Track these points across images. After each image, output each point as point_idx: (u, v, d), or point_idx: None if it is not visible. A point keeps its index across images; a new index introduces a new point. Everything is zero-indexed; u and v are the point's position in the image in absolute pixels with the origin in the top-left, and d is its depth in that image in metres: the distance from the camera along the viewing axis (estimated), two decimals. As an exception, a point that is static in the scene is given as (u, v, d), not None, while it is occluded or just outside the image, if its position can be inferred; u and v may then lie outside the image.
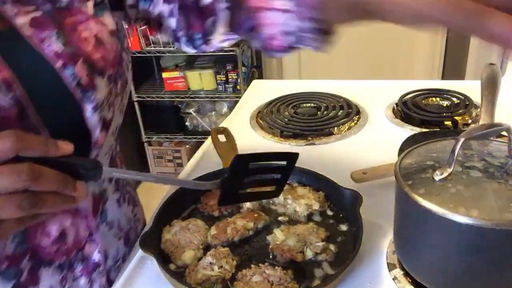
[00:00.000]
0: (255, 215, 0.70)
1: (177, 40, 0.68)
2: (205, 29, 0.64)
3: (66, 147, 0.43)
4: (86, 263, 0.63)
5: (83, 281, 0.63)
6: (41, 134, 0.50)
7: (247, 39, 0.62)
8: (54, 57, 0.50)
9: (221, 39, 0.65)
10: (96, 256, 0.64)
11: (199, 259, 0.63)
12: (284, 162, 0.58)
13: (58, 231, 0.58)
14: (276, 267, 0.59)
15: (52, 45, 0.50)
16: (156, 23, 0.67)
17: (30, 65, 0.50)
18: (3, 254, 0.54)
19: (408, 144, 0.80)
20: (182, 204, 0.75)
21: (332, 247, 0.64)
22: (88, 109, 0.54)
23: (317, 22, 0.51)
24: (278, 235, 0.65)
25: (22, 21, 0.49)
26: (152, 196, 0.88)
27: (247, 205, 0.73)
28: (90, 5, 0.56)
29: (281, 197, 0.74)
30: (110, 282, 0.67)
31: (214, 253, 0.62)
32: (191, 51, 0.69)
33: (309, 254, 0.62)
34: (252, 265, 0.61)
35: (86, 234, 0.62)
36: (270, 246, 0.64)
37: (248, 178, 0.57)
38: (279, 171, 0.59)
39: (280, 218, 0.72)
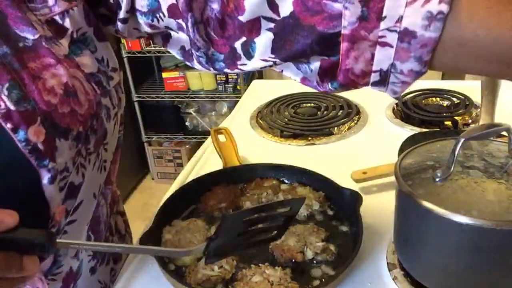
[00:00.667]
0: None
1: (189, 59, 0.52)
2: (233, 49, 0.48)
3: (9, 220, 0.36)
4: None
5: None
6: None
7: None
8: (2, 118, 0.41)
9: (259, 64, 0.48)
10: None
11: (199, 259, 0.63)
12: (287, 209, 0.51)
13: None
14: (276, 267, 0.59)
15: (2, 102, 0.41)
16: (161, 37, 0.55)
17: None
18: None
19: (408, 144, 0.80)
20: (182, 204, 0.75)
21: (332, 247, 0.64)
22: (45, 178, 0.44)
23: (426, 65, 0.40)
24: None
25: None
26: (152, 196, 0.88)
27: (247, 205, 0.73)
28: (65, 43, 0.47)
29: (281, 197, 0.74)
30: None
31: (214, 253, 0.62)
32: (210, 71, 0.53)
33: (309, 254, 0.62)
34: (252, 265, 0.61)
35: None
36: (270, 246, 0.64)
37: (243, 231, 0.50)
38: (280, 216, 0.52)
39: (280, 218, 0.72)
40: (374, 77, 0.43)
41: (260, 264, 0.61)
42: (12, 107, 0.41)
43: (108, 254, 0.65)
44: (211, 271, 0.59)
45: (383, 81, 0.43)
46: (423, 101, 1.10)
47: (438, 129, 0.98)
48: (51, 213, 0.47)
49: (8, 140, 0.42)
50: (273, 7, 0.43)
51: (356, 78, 0.44)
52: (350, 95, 1.16)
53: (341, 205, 0.71)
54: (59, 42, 0.46)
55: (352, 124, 1.04)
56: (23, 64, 0.43)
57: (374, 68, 0.42)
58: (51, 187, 0.45)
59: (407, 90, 1.10)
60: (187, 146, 2.85)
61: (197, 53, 0.50)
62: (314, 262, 0.62)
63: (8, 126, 0.41)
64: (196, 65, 0.52)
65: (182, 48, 0.52)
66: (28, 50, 0.43)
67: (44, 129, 0.43)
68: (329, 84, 0.47)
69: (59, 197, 0.47)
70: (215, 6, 0.45)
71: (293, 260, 0.62)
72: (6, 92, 0.41)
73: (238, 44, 0.47)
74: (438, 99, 1.12)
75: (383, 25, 0.38)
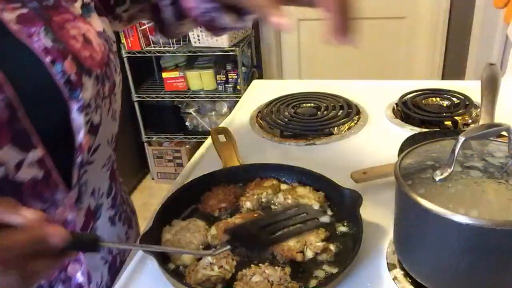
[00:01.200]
0: (255, 215, 0.70)
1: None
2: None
3: (56, 237, 0.41)
4: (67, 284, 0.58)
5: None
6: (31, 138, 0.48)
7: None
8: (43, 52, 0.49)
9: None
10: (80, 277, 0.59)
11: (199, 259, 0.63)
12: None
13: None
14: (276, 267, 0.59)
15: (41, 41, 0.49)
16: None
17: (19, 61, 0.49)
18: None
19: (408, 144, 0.80)
20: (182, 204, 0.75)
21: (332, 247, 0.64)
22: (74, 109, 0.52)
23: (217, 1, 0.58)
24: None
25: (8, 17, 0.48)
26: (152, 196, 0.88)
27: (247, 205, 0.73)
28: (77, 5, 0.56)
29: (281, 197, 0.74)
30: None
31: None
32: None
33: (309, 254, 0.62)
34: (252, 265, 0.61)
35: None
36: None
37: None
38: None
39: (280, 218, 0.72)
40: None
41: (260, 264, 0.61)
42: (49, 45, 0.50)
43: (124, 213, 0.72)
44: (211, 271, 0.59)
45: None
46: (423, 101, 1.10)
47: (438, 129, 0.98)
48: (77, 143, 0.53)
49: (45, 74, 0.50)
50: None
51: None
52: (350, 95, 1.16)
53: (341, 205, 0.71)
54: (73, 4, 0.56)
55: (352, 124, 1.04)
56: (49, 16, 0.52)
57: None
58: (80, 117, 0.52)
59: (407, 90, 1.14)
60: (187, 146, 2.85)
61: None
62: (314, 262, 0.62)
63: (47, 59, 0.50)
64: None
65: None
66: (51, 7, 0.52)
67: (74, 66, 0.52)
68: None
69: (85, 129, 0.53)
70: None
71: (293, 260, 0.62)
72: (43, 34, 0.50)
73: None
74: (438, 99, 1.12)
75: None
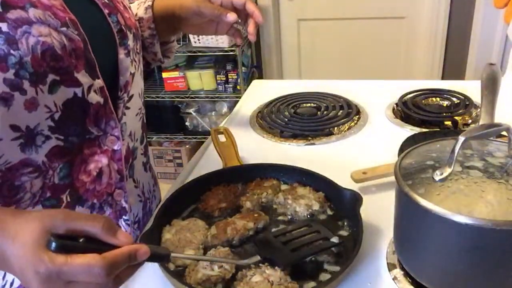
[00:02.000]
0: (255, 215, 0.70)
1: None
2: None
3: (144, 254, 0.48)
4: (114, 207, 0.69)
5: None
6: (96, 69, 0.62)
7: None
8: (103, 6, 0.65)
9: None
10: (123, 203, 0.70)
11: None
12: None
13: (96, 171, 0.65)
14: (276, 267, 0.59)
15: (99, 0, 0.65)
16: None
17: (87, 10, 0.64)
18: (48, 184, 0.61)
19: (408, 144, 0.80)
20: (182, 204, 0.75)
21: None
22: (123, 53, 0.67)
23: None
24: None
25: None
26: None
27: (247, 205, 0.73)
28: None
29: (281, 197, 0.74)
30: None
31: (214, 253, 0.62)
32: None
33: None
34: (252, 265, 0.60)
35: (117, 179, 0.69)
36: None
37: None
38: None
39: (280, 218, 0.72)
40: None
41: (260, 264, 0.61)
42: (106, 1, 0.66)
43: (151, 170, 0.85)
44: (211, 271, 0.59)
45: None
46: (423, 101, 1.10)
47: (438, 129, 0.98)
48: (123, 82, 0.68)
49: (104, 22, 0.66)
50: None
51: None
52: (350, 95, 1.16)
53: (341, 205, 0.71)
54: None
55: (352, 124, 1.04)
56: None
57: None
58: (126, 60, 0.68)
59: (407, 90, 1.15)
60: (187, 146, 2.85)
61: None
62: (315, 262, 0.62)
63: (106, 11, 0.66)
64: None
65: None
66: None
67: (122, 20, 0.68)
68: None
69: (128, 71, 0.69)
70: None
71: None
72: None
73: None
74: (438, 99, 1.12)
75: None
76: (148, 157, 0.81)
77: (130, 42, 0.69)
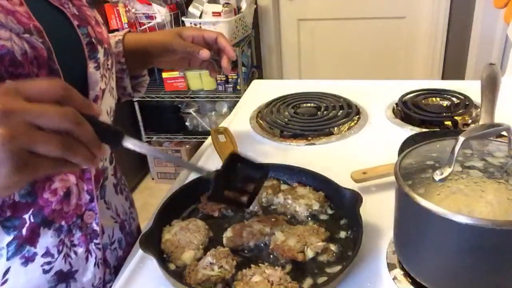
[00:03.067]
0: (273, 219, 0.69)
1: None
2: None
3: (97, 109, 0.48)
4: (85, 230, 0.65)
5: (80, 250, 0.64)
6: (61, 80, 0.58)
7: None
8: (73, 17, 0.63)
9: None
10: (95, 226, 0.66)
11: (199, 259, 0.63)
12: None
13: (63, 190, 0.61)
14: (276, 267, 0.59)
15: (70, 9, 0.63)
16: None
17: (55, 20, 0.61)
18: (8, 202, 0.56)
19: (408, 144, 0.80)
20: (182, 204, 0.75)
21: (333, 247, 0.64)
22: (92, 67, 0.64)
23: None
24: (278, 236, 0.65)
25: None
26: (152, 196, 0.88)
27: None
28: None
29: (281, 197, 0.74)
30: (106, 263, 0.69)
31: (214, 253, 0.62)
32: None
33: (309, 254, 0.62)
34: (252, 265, 0.61)
35: (87, 200, 0.65)
36: (271, 246, 0.64)
37: (233, 180, 0.65)
38: (253, 183, 0.67)
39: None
40: None
41: (260, 264, 0.61)
42: (76, 12, 0.64)
43: (125, 191, 0.79)
44: (211, 271, 0.59)
45: None
46: (423, 101, 1.10)
47: (438, 129, 0.98)
48: (93, 97, 0.65)
49: (73, 33, 0.63)
50: None
51: None
52: (350, 95, 1.16)
53: (341, 205, 0.71)
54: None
55: (352, 124, 1.04)
56: None
57: None
58: (96, 74, 0.65)
59: (407, 90, 1.16)
60: (187, 146, 2.85)
61: None
62: (315, 262, 0.62)
63: (76, 22, 0.63)
64: None
65: None
66: None
67: (92, 33, 0.65)
68: None
69: (99, 85, 0.65)
70: None
71: (294, 260, 0.62)
72: (70, 4, 0.64)
73: None
74: (438, 99, 1.12)
75: None
76: (119, 179, 0.77)
77: (101, 56, 0.66)
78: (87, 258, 0.65)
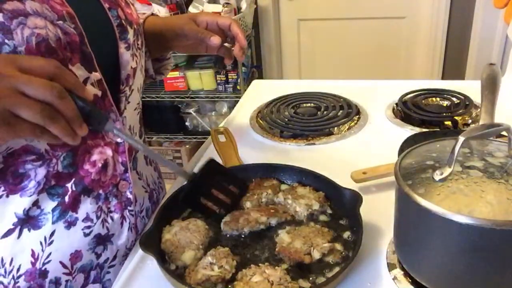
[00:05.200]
0: (272, 210, 0.71)
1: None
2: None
3: (88, 93, 0.52)
4: (120, 198, 0.71)
5: (116, 216, 0.70)
6: (93, 62, 0.62)
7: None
8: (103, 0, 0.66)
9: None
10: (129, 194, 0.72)
11: (199, 259, 0.63)
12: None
13: (101, 162, 0.67)
14: (276, 267, 0.59)
15: None
16: None
17: (85, 5, 0.64)
18: (52, 172, 0.62)
19: (408, 144, 0.80)
20: (182, 204, 0.75)
21: (339, 247, 0.64)
22: (123, 47, 0.68)
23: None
24: (284, 238, 0.65)
25: None
26: (168, 187, 0.89)
27: (247, 205, 0.73)
28: None
29: (281, 197, 0.74)
30: (136, 229, 0.74)
31: (214, 253, 0.62)
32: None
33: (316, 255, 0.62)
34: (252, 265, 0.60)
35: (122, 171, 0.70)
36: (277, 249, 0.64)
37: (210, 188, 0.70)
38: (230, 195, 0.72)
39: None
40: None
41: (260, 264, 0.60)
42: None
43: (154, 163, 0.86)
44: (211, 271, 0.59)
45: None
46: (423, 101, 1.10)
47: (438, 129, 0.98)
48: (124, 76, 0.69)
49: (104, 16, 0.66)
50: None
51: None
52: (350, 95, 1.16)
53: (341, 205, 0.71)
54: None
55: (352, 124, 1.04)
56: None
57: None
58: (127, 54, 0.69)
59: (407, 90, 1.16)
60: (187, 146, 2.85)
61: None
62: (321, 263, 0.62)
63: (106, 5, 0.67)
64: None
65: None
66: None
67: (122, 15, 0.69)
68: None
69: (129, 65, 0.69)
70: None
71: (298, 262, 0.62)
72: None
73: None
74: (438, 99, 1.12)
75: None
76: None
77: (131, 37, 0.70)
78: (122, 224, 0.71)
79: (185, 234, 0.66)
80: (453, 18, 2.57)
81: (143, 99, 2.98)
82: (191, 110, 2.79)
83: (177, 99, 2.72)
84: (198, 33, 0.80)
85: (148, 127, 2.83)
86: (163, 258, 0.64)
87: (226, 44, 0.84)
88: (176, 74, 2.63)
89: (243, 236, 0.68)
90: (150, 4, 2.43)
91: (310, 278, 0.60)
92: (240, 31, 0.81)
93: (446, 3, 2.52)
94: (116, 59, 0.68)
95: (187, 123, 2.84)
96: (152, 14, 0.89)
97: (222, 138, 0.93)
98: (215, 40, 0.79)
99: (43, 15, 0.56)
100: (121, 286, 0.63)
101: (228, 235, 0.69)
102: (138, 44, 0.73)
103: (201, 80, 2.63)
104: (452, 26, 2.59)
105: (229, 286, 0.59)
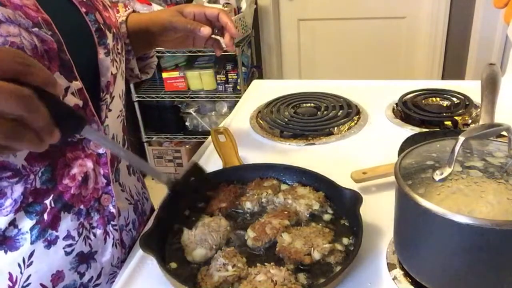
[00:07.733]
0: (285, 212, 0.70)
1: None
2: None
3: (60, 88, 0.45)
4: (102, 213, 0.67)
5: (99, 232, 0.67)
6: (73, 70, 0.59)
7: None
8: (80, 4, 0.63)
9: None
10: (111, 208, 0.68)
11: (209, 259, 0.63)
12: None
13: (81, 175, 0.63)
14: (281, 267, 0.59)
15: None
16: None
17: (62, 9, 0.61)
18: (29, 189, 0.58)
19: (408, 144, 0.80)
20: (182, 204, 0.75)
21: (340, 247, 0.63)
22: (102, 53, 0.65)
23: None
24: (285, 238, 0.65)
25: None
26: (152, 196, 0.88)
27: (247, 205, 0.73)
28: None
29: (281, 197, 0.74)
30: (123, 243, 0.71)
31: (224, 254, 0.62)
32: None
33: (316, 256, 0.62)
34: (258, 264, 0.60)
35: (104, 183, 0.67)
36: (277, 249, 0.64)
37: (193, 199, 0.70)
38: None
39: (280, 218, 0.72)
40: None
41: (265, 264, 0.60)
42: (82, 0, 0.64)
43: (137, 173, 0.82)
44: (226, 272, 0.59)
45: None
46: (423, 101, 1.10)
47: (438, 129, 0.98)
48: (104, 83, 0.66)
49: (81, 20, 0.63)
50: None
51: None
52: (350, 95, 1.16)
53: (341, 205, 0.71)
54: None
55: (352, 124, 1.04)
56: None
57: None
58: (107, 60, 0.66)
59: (407, 90, 1.16)
60: (187, 146, 2.85)
61: None
62: (315, 262, 0.62)
63: (83, 9, 0.63)
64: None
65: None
66: None
67: (100, 19, 0.66)
68: None
69: (109, 71, 0.66)
70: None
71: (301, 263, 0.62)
72: None
73: None
74: (438, 99, 1.12)
75: None
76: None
77: (110, 41, 0.67)
78: (105, 239, 0.68)
79: (204, 231, 0.66)
80: (453, 18, 2.57)
81: (143, 99, 2.96)
82: (191, 110, 2.79)
83: (177, 99, 2.72)
84: (187, 24, 0.78)
85: (148, 127, 2.83)
86: (164, 258, 0.64)
87: (213, 36, 0.82)
88: (176, 74, 2.63)
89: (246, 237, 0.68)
90: (150, 4, 2.43)
91: (309, 279, 0.60)
92: (229, 20, 0.79)
93: (446, 3, 2.52)
94: (95, 65, 0.65)
95: (187, 123, 2.84)
96: (134, 11, 0.86)
97: (222, 138, 0.93)
98: (205, 30, 0.77)
99: (17, 22, 0.52)
100: (121, 286, 0.63)
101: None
102: (117, 49, 0.70)
103: (201, 80, 2.63)
104: (452, 26, 2.59)
105: (234, 285, 0.59)
